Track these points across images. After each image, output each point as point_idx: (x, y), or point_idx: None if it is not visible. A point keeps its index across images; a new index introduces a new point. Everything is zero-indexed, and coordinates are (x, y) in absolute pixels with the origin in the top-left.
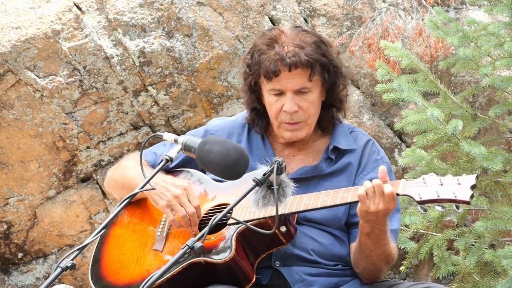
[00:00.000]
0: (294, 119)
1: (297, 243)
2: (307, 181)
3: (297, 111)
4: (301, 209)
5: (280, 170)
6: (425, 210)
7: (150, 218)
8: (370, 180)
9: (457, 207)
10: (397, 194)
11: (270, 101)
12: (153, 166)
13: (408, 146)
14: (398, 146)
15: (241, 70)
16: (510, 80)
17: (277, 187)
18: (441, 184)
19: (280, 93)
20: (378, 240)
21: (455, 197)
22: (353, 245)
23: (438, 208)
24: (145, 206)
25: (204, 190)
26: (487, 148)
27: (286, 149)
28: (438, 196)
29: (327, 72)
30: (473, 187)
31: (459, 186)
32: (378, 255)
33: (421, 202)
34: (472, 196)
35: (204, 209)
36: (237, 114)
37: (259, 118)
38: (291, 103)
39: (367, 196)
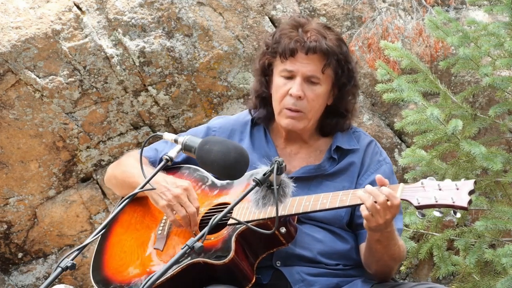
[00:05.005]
0: (296, 105)
1: (298, 242)
2: (310, 180)
3: (302, 98)
4: (300, 211)
5: (280, 170)
6: (423, 215)
7: (151, 216)
8: (371, 183)
9: (455, 213)
10: None
11: (278, 84)
12: (154, 163)
13: (408, 146)
14: (398, 146)
15: (258, 52)
16: (510, 80)
17: (277, 187)
18: (440, 189)
19: (290, 77)
20: (388, 243)
21: (453, 202)
22: (363, 247)
23: (436, 213)
24: (146, 204)
25: (206, 188)
26: (487, 148)
27: (288, 146)
28: (436, 202)
29: (341, 70)
30: (471, 192)
31: (457, 192)
32: (389, 256)
33: (419, 207)
34: (470, 202)
35: (205, 208)
36: (239, 113)
37: (262, 106)
38: (298, 87)
39: (372, 213)
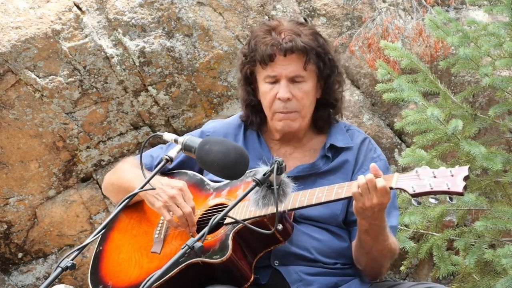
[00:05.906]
0: (287, 107)
1: (295, 242)
2: (304, 179)
3: (291, 99)
4: (296, 206)
5: (280, 170)
6: (419, 203)
7: (147, 220)
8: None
9: (451, 199)
10: (391, 188)
11: (265, 90)
12: (150, 169)
13: (408, 146)
14: (398, 146)
15: (238, 62)
16: (510, 80)
17: (277, 187)
18: (434, 177)
19: (275, 81)
20: (377, 236)
21: (449, 188)
22: (354, 243)
23: (432, 200)
24: (142, 208)
25: (201, 191)
26: (487, 148)
27: (282, 147)
28: (432, 189)
29: (322, 62)
30: (466, 178)
31: (452, 178)
32: (379, 251)
33: (415, 195)
34: (465, 187)
35: (201, 210)
36: (232, 116)
37: (254, 115)
38: (285, 89)
39: (361, 193)
